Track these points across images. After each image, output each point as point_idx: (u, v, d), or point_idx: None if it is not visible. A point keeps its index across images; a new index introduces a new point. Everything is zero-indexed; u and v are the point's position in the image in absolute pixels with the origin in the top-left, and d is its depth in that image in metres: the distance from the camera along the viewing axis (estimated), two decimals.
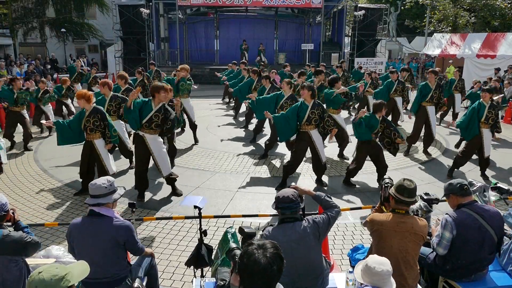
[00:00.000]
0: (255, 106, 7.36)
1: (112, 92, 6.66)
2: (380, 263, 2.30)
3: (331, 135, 5.91)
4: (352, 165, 6.22)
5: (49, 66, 19.75)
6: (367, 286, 2.28)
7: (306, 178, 6.57)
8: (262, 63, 18.38)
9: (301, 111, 5.82)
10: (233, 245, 2.26)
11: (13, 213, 2.86)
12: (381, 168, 6.03)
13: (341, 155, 7.71)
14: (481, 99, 6.43)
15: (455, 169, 6.66)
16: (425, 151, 7.95)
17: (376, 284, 2.27)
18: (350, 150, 7.68)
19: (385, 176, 3.54)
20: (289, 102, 6.72)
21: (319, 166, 6.08)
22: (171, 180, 5.78)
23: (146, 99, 5.46)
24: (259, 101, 7.33)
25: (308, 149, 6.08)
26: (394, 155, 6.24)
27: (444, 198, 3.35)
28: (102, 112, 5.51)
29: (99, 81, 11.10)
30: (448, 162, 7.38)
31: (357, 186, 6.24)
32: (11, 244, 2.59)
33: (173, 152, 6.97)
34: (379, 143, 6.06)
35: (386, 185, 3.29)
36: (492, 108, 6.33)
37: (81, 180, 5.83)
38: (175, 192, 5.83)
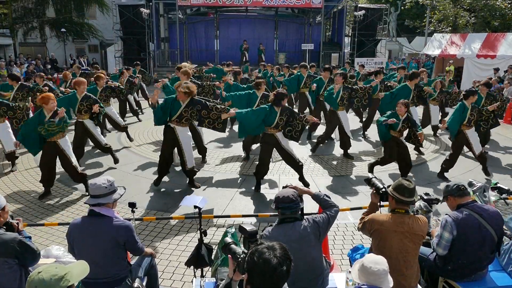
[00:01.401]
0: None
1: (86, 92, 6.65)
2: (376, 262, 2.29)
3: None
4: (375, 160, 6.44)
5: (49, 66, 19.74)
6: (364, 285, 2.27)
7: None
8: (262, 64, 18.38)
9: (270, 116, 5.63)
10: (228, 240, 2.25)
11: (17, 223, 2.81)
12: (405, 166, 6.20)
13: (346, 155, 7.70)
14: (464, 101, 6.37)
15: (445, 172, 6.60)
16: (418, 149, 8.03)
17: (373, 283, 2.26)
18: (354, 150, 7.71)
19: (370, 176, 3.43)
20: (263, 102, 6.70)
21: (295, 165, 5.99)
22: (192, 172, 6.05)
23: (174, 96, 5.78)
24: (234, 97, 7.24)
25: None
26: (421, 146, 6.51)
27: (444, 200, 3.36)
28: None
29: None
30: None
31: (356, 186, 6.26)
32: (3, 245, 2.50)
33: (203, 150, 7.37)
34: (403, 140, 6.30)
35: (383, 187, 3.24)
36: (473, 110, 6.34)
37: (43, 186, 5.80)
38: (193, 185, 6.10)
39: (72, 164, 5.66)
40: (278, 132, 5.78)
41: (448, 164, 6.54)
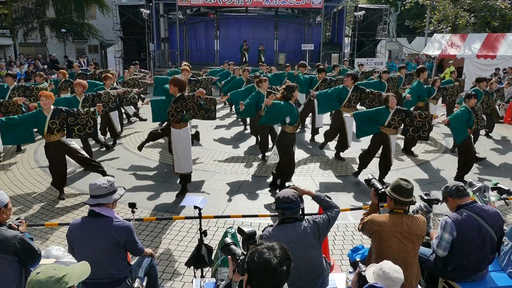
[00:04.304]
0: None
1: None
2: (395, 270, 2.35)
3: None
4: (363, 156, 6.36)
5: (45, 66, 19.67)
6: (376, 284, 2.30)
7: (306, 179, 6.58)
8: (261, 64, 18.40)
9: (292, 113, 5.56)
10: (227, 240, 2.25)
11: (17, 225, 2.80)
12: (384, 164, 6.10)
13: (337, 156, 7.60)
14: (465, 104, 6.31)
15: (467, 173, 6.43)
16: (409, 151, 7.95)
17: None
18: (349, 151, 7.71)
19: (370, 176, 3.44)
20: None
21: (292, 170, 5.85)
22: (183, 178, 5.81)
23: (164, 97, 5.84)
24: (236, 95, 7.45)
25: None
26: (427, 138, 6.19)
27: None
28: (65, 109, 5.58)
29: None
30: (448, 162, 7.38)
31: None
32: (4, 241, 2.51)
33: None
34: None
35: (382, 188, 3.22)
36: (473, 111, 6.29)
37: (56, 187, 5.77)
38: (181, 192, 5.79)
39: (82, 155, 5.77)
40: (295, 131, 5.71)
41: (464, 170, 6.37)
